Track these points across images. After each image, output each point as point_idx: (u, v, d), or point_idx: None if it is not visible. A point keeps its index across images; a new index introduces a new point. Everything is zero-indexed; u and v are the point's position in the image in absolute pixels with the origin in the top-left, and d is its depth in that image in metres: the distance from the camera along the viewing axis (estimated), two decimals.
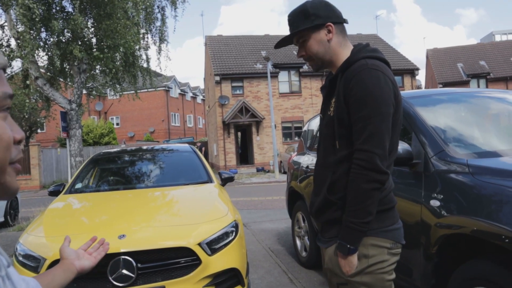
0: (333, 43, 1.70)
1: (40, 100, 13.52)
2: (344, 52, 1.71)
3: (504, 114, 3.24)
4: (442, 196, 2.25)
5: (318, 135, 1.95)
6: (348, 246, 1.54)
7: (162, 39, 11.84)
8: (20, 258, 3.00)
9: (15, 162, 0.65)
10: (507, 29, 55.29)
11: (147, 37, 11.66)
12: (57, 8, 9.69)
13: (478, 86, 29.26)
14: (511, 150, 2.47)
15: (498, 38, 52.36)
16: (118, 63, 10.65)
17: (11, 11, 9.17)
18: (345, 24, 1.76)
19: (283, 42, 1.82)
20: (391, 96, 1.57)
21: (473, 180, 2.14)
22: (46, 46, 9.82)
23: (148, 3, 10.09)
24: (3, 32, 10.45)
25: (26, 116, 22.52)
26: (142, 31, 11.13)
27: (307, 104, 25.36)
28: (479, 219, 2.00)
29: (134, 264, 2.78)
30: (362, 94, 1.54)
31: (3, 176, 0.63)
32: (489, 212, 1.98)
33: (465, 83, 29.21)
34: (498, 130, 3.05)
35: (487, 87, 29.10)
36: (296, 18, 1.73)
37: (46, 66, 10.68)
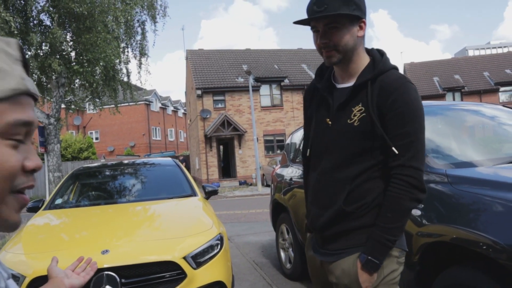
0: (360, 41, 1.59)
1: None
2: (363, 56, 1.62)
3: (478, 126, 3.35)
4: (422, 206, 2.31)
5: (315, 143, 1.73)
6: (378, 263, 1.49)
7: (142, 53, 11.86)
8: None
9: (21, 192, 0.60)
10: (479, 44, 57.13)
11: (128, 51, 11.68)
12: (35, 21, 9.60)
13: (454, 99, 30.03)
14: (485, 160, 2.55)
15: (471, 53, 54.09)
16: (98, 77, 10.59)
17: None
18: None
19: (302, 20, 1.58)
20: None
21: (452, 190, 2.20)
22: None
23: (128, 17, 10.10)
24: None
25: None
26: (122, 45, 11.13)
27: (288, 117, 25.54)
28: (458, 227, 2.05)
29: (118, 279, 2.74)
30: (411, 109, 1.49)
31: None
32: (468, 220, 2.03)
33: (441, 96, 29.96)
34: (473, 141, 3.16)
35: (462, 100, 29.89)
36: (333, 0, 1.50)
37: None
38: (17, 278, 2.82)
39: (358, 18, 1.54)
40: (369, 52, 1.66)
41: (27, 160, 0.60)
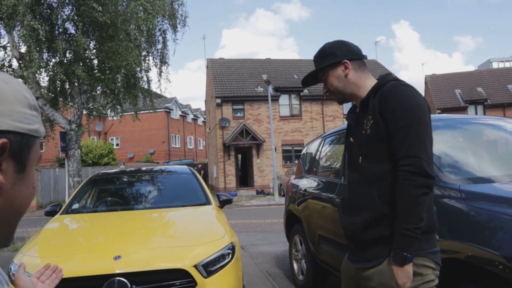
0: (351, 77, 1.83)
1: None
2: (366, 83, 1.84)
3: (499, 141, 3.27)
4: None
5: (347, 163, 1.98)
6: (405, 254, 1.54)
7: (163, 61, 12.02)
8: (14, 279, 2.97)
9: None
10: (503, 56, 56.05)
11: (148, 59, 11.84)
12: (60, 29, 9.86)
13: (476, 113, 29.46)
14: (505, 176, 2.49)
15: (495, 65, 53.04)
16: (119, 84, 10.77)
17: (14, 32, 9.33)
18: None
19: (308, 79, 2.00)
20: (426, 106, 1.68)
21: (465, 206, 2.15)
22: (48, 66, 9.95)
23: (150, 26, 10.26)
24: (5, 52, 10.60)
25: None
26: (144, 53, 11.30)
27: (307, 128, 25.46)
28: (474, 245, 2.00)
29: (129, 285, 2.77)
30: (400, 105, 1.63)
31: None
32: (483, 238, 1.98)
33: (463, 109, 29.43)
34: (493, 157, 3.08)
35: (484, 113, 29.30)
36: (317, 58, 1.90)
37: (47, 86, 10.78)
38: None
39: (337, 62, 1.83)
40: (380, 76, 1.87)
41: None
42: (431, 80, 33.29)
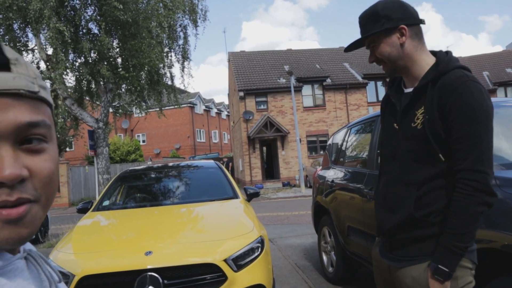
0: (407, 47, 1.59)
1: (69, 119, 13.95)
2: (422, 57, 1.61)
3: None
4: None
5: (384, 149, 1.81)
6: (448, 271, 1.44)
7: (185, 57, 12.10)
8: None
9: None
10: None
11: (171, 55, 11.94)
12: (84, 30, 10.04)
13: (506, 95, 28.44)
14: None
15: None
16: (143, 81, 10.91)
17: (41, 35, 9.55)
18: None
19: (353, 45, 1.72)
20: (493, 111, 1.50)
21: (500, 193, 2.07)
22: (74, 67, 10.17)
23: (171, 22, 10.33)
24: (33, 55, 10.87)
25: (58, 135, 23.21)
26: (166, 49, 11.39)
27: (331, 118, 25.22)
28: (511, 234, 1.93)
29: (161, 280, 2.80)
30: (471, 109, 1.44)
31: None
32: None
33: (492, 92, 28.44)
34: None
35: None
36: (366, 20, 1.63)
37: (74, 86, 11.03)
38: (67, 276, 2.95)
39: (391, 29, 1.57)
40: (435, 53, 1.65)
41: None
42: None
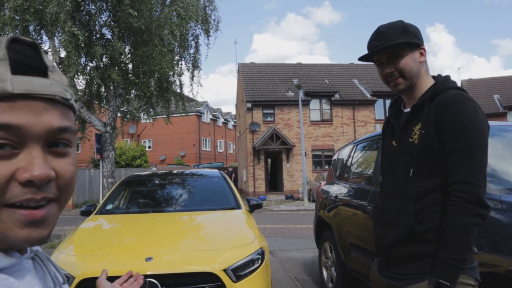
0: (423, 68, 1.69)
1: (77, 122, 14.05)
2: (428, 80, 1.70)
3: None
4: None
5: (383, 167, 1.85)
6: (449, 284, 1.44)
7: (195, 66, 12.19)
8: None
9: (20, 206, 0.54)
10: None
11: (181, 64, 12.03)
12: (97, 35, 10.17)
13: None
14: None
15: None
16: (153, 88, 11.00)
17: (55, 38, 9.69)
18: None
19: (366, 56, 1.74)
20: (488, 128, 1.56)
21: (506, 217, 2.07)
22: (86, 70, 10.28)
23: (183, 31, 10.44)
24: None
25: None
26: (176, 57, 11.49)
27: (338, 133, 25.21)
28: None
29: (160, 287, 2.81)
30: (464, 124, 1.50)
31: None
32: None
33: (502, 116, 28.33)
34: None
35: None
36: (394, 31, 1.65)
37: (83, 89, 11.14)
38: (67, 278, 2.96)
39: (417, 45, 1.65)
40: (435, 77, 1.74)
41: (20, 171, 0.54)
42: (467, 85, 32.29)
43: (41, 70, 0.57)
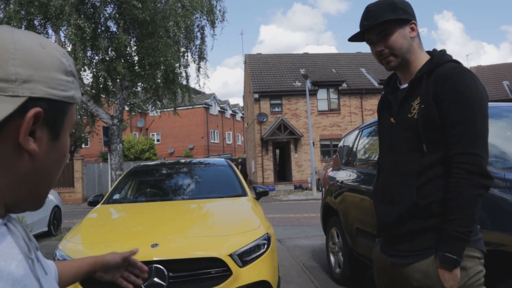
0: (415, 43, 1.65)
1: (85, 117, 14.13)
2: (422, 55, 1.66)
3: None
4: None
5: (382, 145, 1.83)
6: (456, 257, 1.43)
7: (201, 57, 12.13)
8: None
9: None
10: None
11: (187, 55, 11.97)
12: (103, 28, 10.18)
13: None
14: None
15: None
16: (159, 80, 10.99)
17: (60, 31, 9.72)
18: None
19: (356, 35, 1.72)
20: (487, 98, 1.54)
21: (511, 195, 2.04)
22: (92, 64, 10.31)
23: (188, 22, 10.40)
24: None
25: (73, 131, 23.53)
26: (182, 49, 11.45)
27: (346, 122, 25.08)
28: None
29: (166, 272, 2.82)
30: (462, 95, 1.49)
31: None
32: None
33: (511, 101, 27.96)
34: None
35: None
36: (382, 9, 1.62)
37: (90, 83, 11.18)
38: None
39: (407, 20, 1.63)
40: (430, 52, 1.70)
41: None
42: (476, 72, 31.81)
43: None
